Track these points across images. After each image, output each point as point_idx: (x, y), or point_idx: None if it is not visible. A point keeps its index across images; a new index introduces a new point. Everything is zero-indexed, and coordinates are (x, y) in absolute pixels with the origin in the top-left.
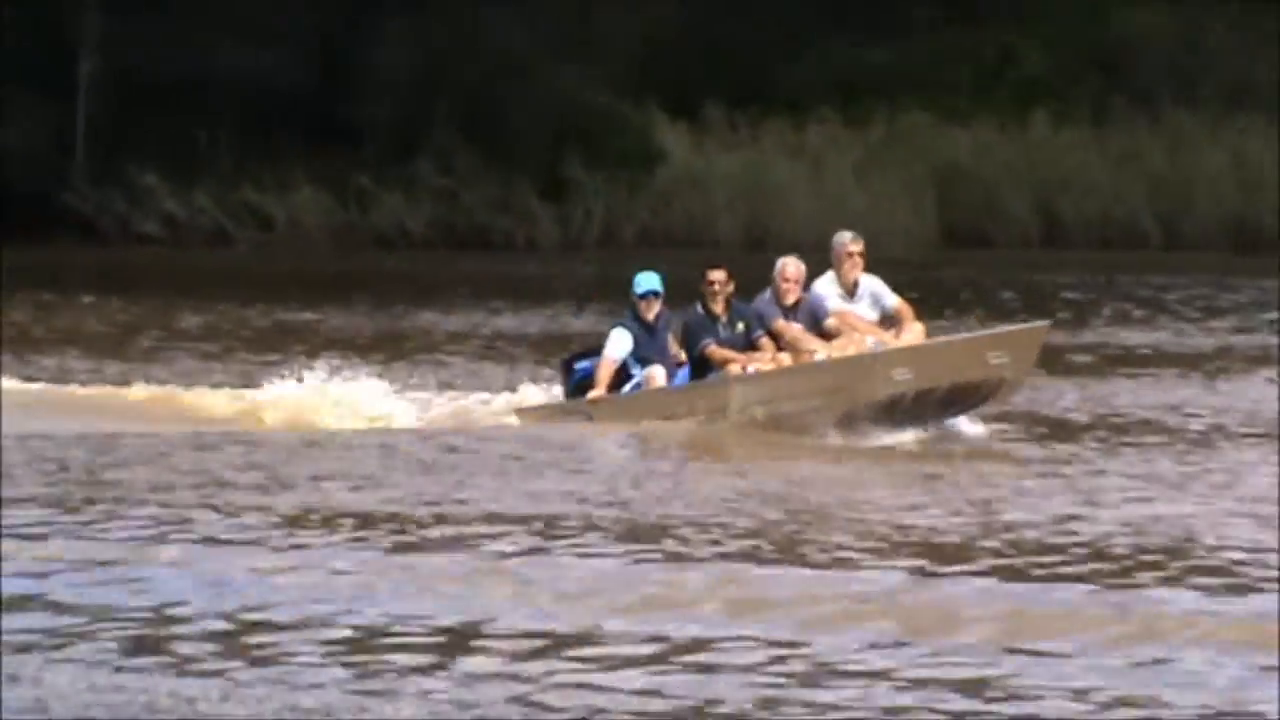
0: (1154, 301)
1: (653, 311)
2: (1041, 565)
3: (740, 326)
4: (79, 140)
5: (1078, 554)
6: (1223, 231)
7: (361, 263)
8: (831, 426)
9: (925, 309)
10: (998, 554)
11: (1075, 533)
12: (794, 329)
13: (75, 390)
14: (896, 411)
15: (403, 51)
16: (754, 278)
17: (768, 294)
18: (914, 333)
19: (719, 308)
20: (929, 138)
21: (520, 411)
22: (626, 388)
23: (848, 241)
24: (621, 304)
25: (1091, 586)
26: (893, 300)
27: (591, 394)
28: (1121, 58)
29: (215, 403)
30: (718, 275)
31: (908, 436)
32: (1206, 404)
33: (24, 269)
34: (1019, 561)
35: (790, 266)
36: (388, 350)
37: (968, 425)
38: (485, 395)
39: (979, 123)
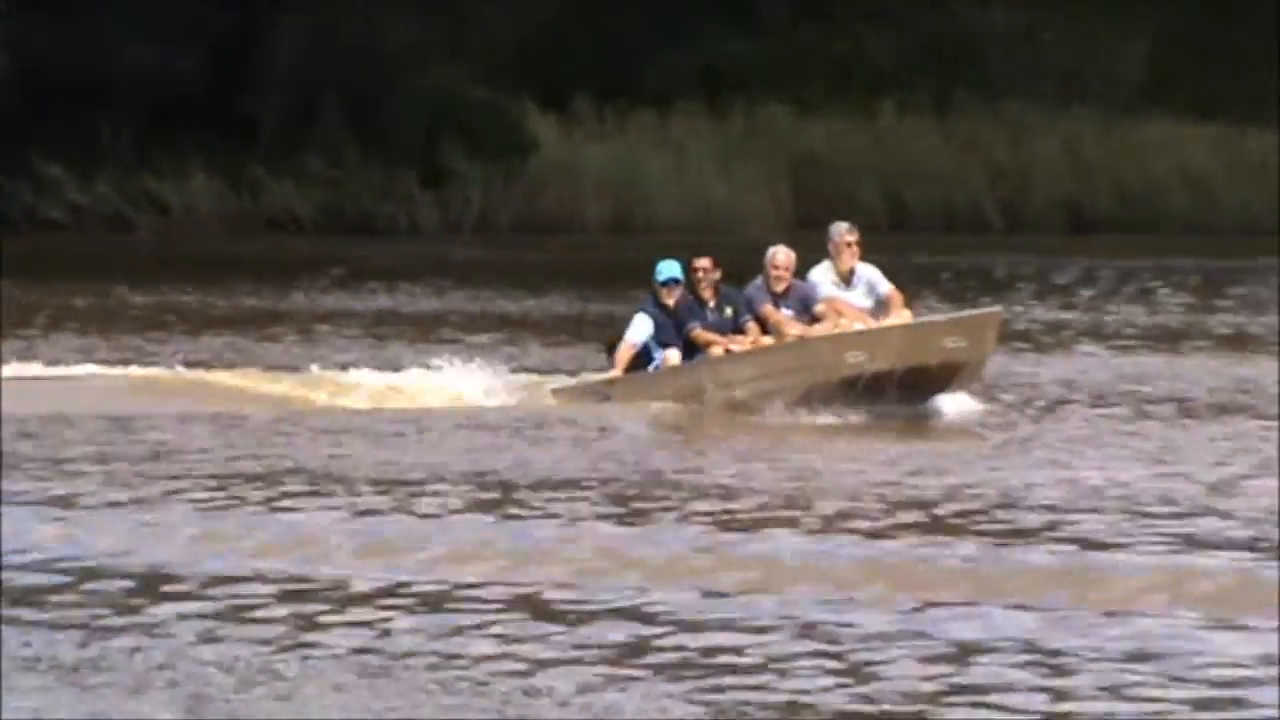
0: (994, 280)
1: (673, 297)
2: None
3: (729, 311)
4: None
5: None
6: (1058, 215)
7: (253, 246)
8: (794, 405)
9: None
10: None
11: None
12: (778, 314)
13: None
14: (854, 392)
15: (296, 47)
16: (623, 261)
17: (759, 281)
18: (900, 318)
19: (707, 294)
20: (785, 129)
21: (555, 391)
22: (650, 369)
23: (844, 231)
24: (496, 284)
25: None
26: (885, 287)
27: (610, 374)
28: (964, 52)
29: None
30: (703, 263)
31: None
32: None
33: None
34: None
35: (780, 255)
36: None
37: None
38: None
39: (831, 114)
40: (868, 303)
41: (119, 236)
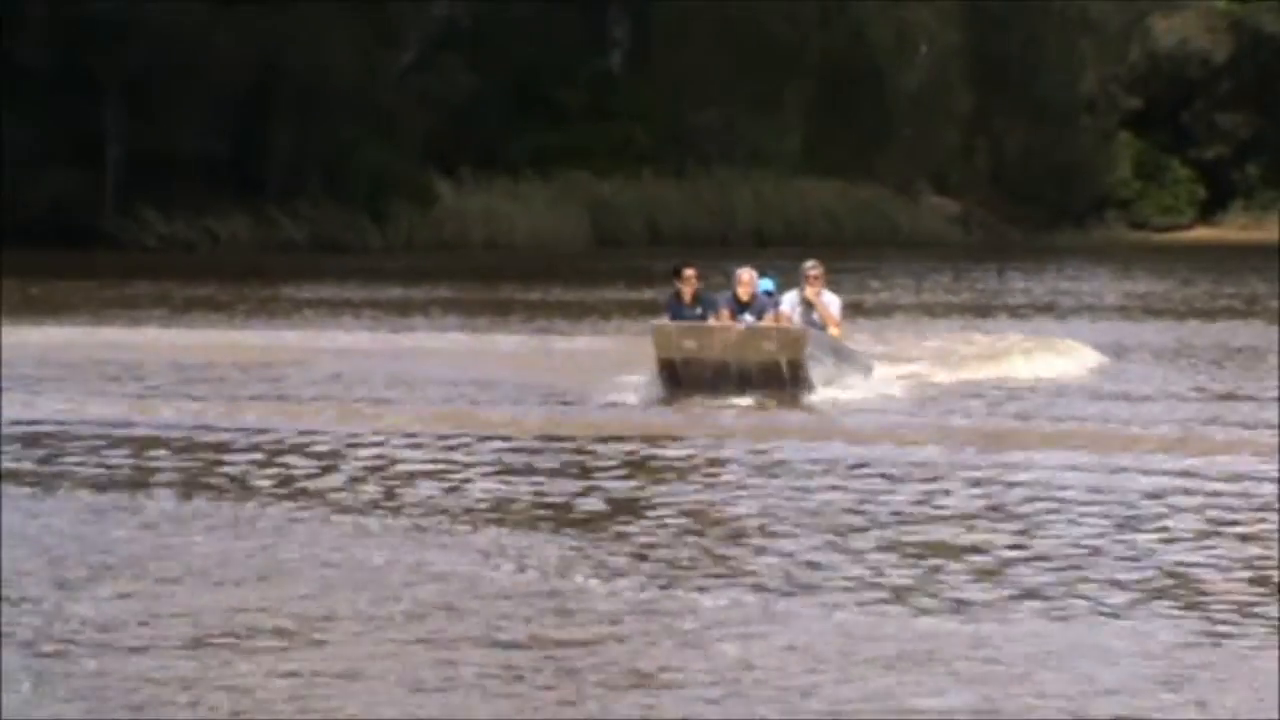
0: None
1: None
2: None
3: (699, 310)
4: None
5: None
6: (748, 235)
7: (275, 260)
8: (658, 375)
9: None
10: None
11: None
12: (723, 315)
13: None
14: (691, 374)
15: (289, 137)
16: (492, 264)
17: (729, 292)
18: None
19: (687, 294)
20: (585, 186)
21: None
22: None
23: (808, 268)
24: (426, 279)
25: None
26: (832, 310)
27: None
28: (694, 138)
29: None
30: (688, 271)
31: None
32: None
33: None
34: None
35: (745, 274)
36: None
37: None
38: None
39: (613, 177)
40: (811, 319)
41: (187, 255)
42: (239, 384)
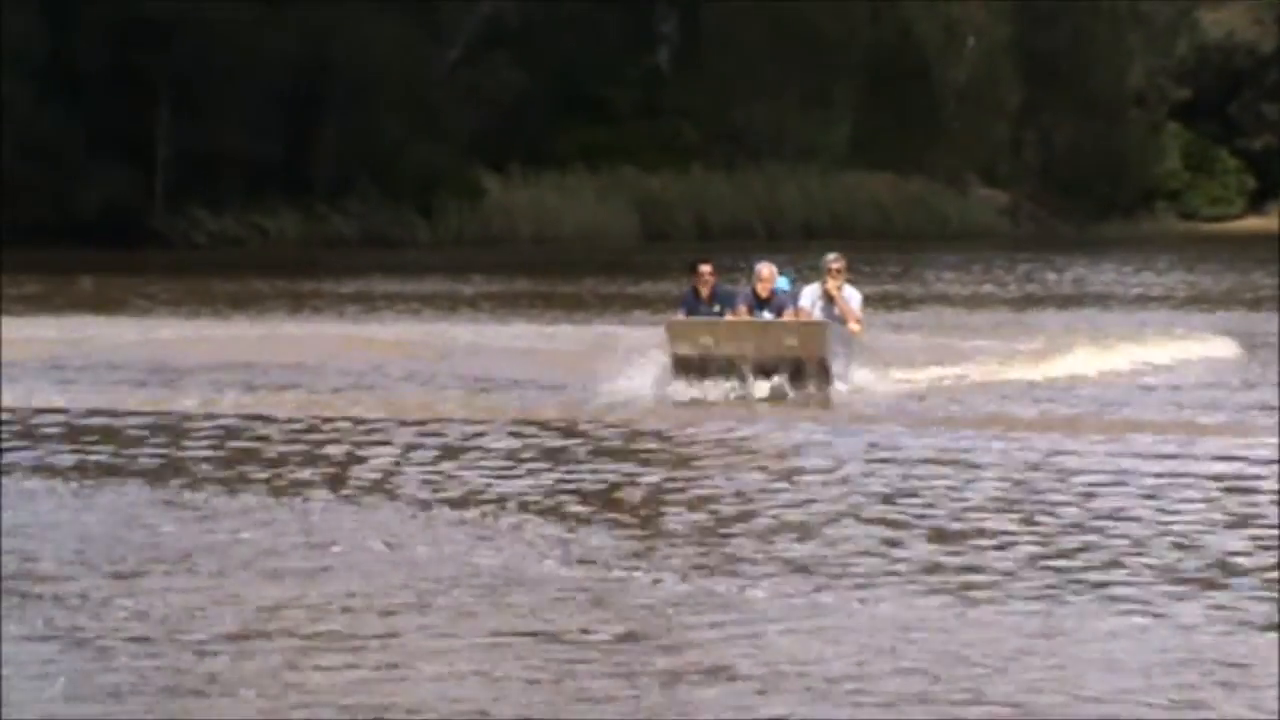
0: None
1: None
2: None
3: (716, 307)
4: None
5: None
6: (796, 229)
7: (325, 255)
8: (673, 368)
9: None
10: None
11: None
12: (740, 313)
13: None
14: (712, 367)
15: (338, 135)
16: (541, 259)
17: (748, 287)
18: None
19: (704, 290)
20: (633, 181)
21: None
22: None
23: (830, 260)
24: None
25: None
26: (850, 307)
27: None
28: (741, 134)
29: None
30: (705, 268)
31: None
32: None
33: None
34: None
35: (764, 270)
36: None
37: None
38: None
39: (662, 172)
40: (832, 315)
41: (236, 250)
42: (267, 375)
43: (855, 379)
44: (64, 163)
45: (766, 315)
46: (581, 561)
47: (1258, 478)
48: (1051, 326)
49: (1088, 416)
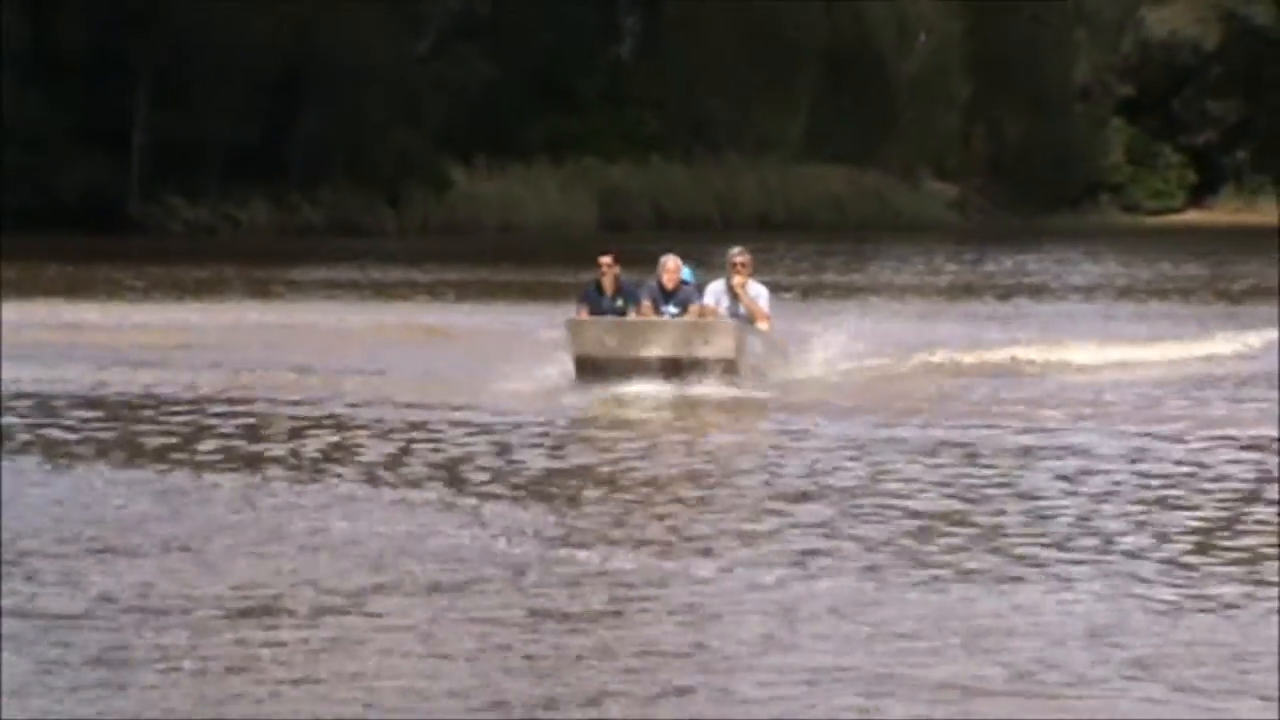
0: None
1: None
2: None
3: (620, 302)
4: None
5: None
6: (752, 220)
7: (297, 243)
8: (575, 370)
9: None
10: None
11: None
12: (645, 308)
13: None
14: (617, 369)
15: (313, 124)
16: (507, 247)
17: (653, 280)
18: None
19: (607, 284)
20: (595, 171)
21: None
22: None
23: (734, 255)
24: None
25: None
26: (758, 305)
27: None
28: (698, 125)
29: None
30: (604, 259)
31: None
32: None
33: None
34: None
35: (670, 261)
36: None
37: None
38: None
39: (623, 163)
40: (739, 312)
41: (209, 239)
42: (200, 358)
43: (769, 374)
44: (47, 149)
45: (672, 308)
46: (535, 542)
47: (1164, 459)
48: (984, 316)
49: (1009, 402)
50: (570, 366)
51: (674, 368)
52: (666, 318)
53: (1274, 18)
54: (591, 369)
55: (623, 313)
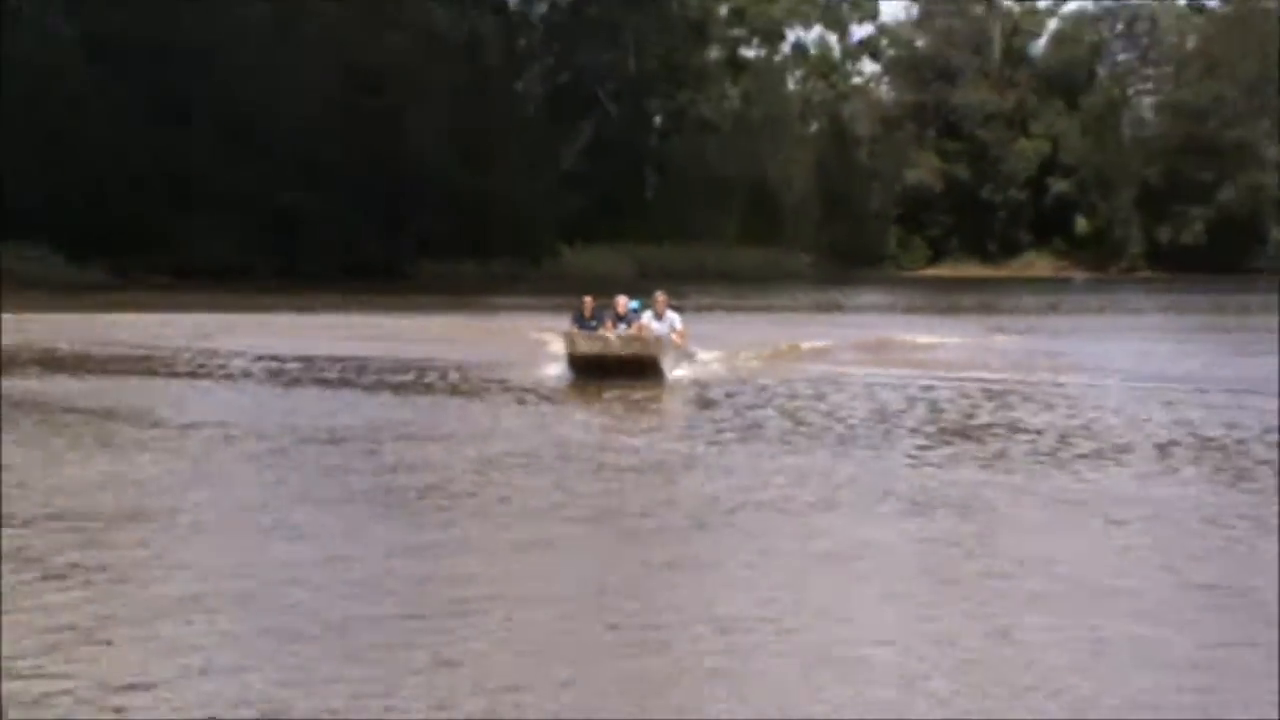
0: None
1: (588, 309)
2: None
3: (594, 322)
4: None
5: None
6: (712, 274)
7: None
8: (567, 363)
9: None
10: None
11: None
12: (607, 325)
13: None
14: (589, 365)
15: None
16: (587, 288)
17: (613, 310)
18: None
19: (586, 311)
20: (632, 251)
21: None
22: None
23: (657, 295)
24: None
25: None
26: (678, 324)
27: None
28: (684, 229)
29: None
30: (587, 299)
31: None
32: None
33: None
34: None
35: (620, 300)
36: None
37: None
38: None
39: (647, 247)
40: (665, 329)
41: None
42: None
43: (678, 373)
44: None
45: (623, 327)
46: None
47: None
48: (826, 325)
49: (839, 363)
50: (565, 362)
51: (623, 362)
52: (620, 332)
53: None
54: (577, 364)
55: (595, 329)
